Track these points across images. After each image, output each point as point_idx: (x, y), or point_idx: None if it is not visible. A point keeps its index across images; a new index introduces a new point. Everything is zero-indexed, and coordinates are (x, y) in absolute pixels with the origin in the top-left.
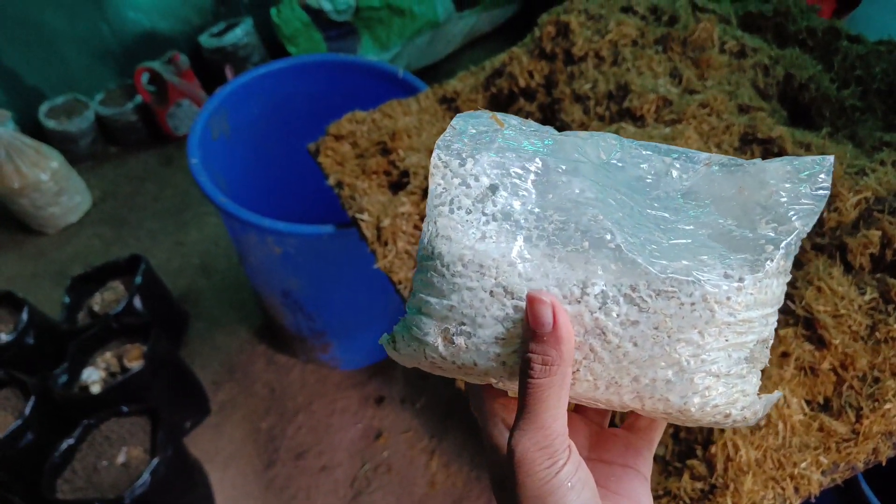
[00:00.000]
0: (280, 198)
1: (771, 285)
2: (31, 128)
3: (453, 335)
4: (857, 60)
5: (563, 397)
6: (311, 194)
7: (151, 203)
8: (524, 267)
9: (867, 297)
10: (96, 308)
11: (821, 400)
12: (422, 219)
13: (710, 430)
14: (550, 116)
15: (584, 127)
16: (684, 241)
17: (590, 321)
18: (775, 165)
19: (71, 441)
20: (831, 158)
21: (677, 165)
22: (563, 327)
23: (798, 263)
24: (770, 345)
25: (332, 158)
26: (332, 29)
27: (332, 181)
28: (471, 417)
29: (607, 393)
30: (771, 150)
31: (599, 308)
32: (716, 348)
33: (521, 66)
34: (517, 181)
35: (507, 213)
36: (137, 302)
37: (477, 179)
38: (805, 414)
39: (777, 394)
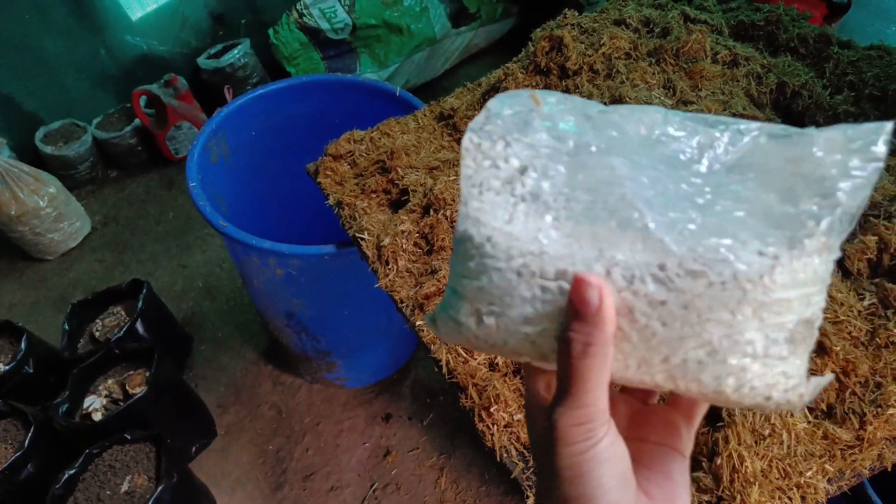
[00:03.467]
0: (281, 218)
1: (812, 263)
2: (29, 154)
3: (483, 315)
4: (848, 66)
5: (604, 376)
6: (312, 214)
7: (153, 226)
8: (551, 247)
9: (866, 303)
10: (97, 334)
11: (824, 407)
12: (422, 236)
13: (715, 442)
14: None
15: None
16: (719, 218)
17: (616, 300)
18: (827, 134)
19: (73, 471)
20: (890, 125)
21: (724, 138)
22: (608, 309)
23: None
24: (817, 325)
25: (331, 178)
26: (331, 48)
27: (331, 201)
28: (478, 433)
29: (639, 373)
30: None
31: (626, 287)
32: (750, 329)
33: (516, 81)
34: (547, 161)
35: (536, 195)
36: (139, 327)
37: (507, 161)
38: (809, 422)
39: (829, 376)
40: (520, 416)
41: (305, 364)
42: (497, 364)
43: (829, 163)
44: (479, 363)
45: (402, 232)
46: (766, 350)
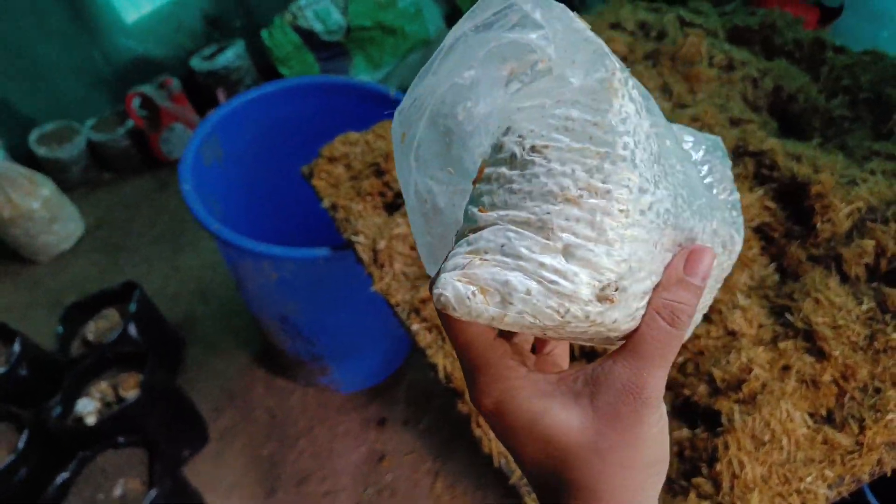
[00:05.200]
0: (276, 221)
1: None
2: (23, 156)
3: (613, 291)
4: (843, 71)
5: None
6: (307, 217)
7: (146, 229)
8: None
9: (864, 307)
10: (90, 337)
11: (823, 412)
12: None
13: (715, 448)
14: None
15: None
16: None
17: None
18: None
19: (66, 475)
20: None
21: None
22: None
23: (795, 275)
24: None
25: (325, 181)
26: (324, 50)
27: (326, 204)
28: (475, 438)
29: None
30: (763, 161)
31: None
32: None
33: None
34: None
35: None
36: (132, 329)
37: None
38: (808, 427)
39: None
40: None
41: (299, 368)
42: None
43: None
44: None
45: (398, 235)
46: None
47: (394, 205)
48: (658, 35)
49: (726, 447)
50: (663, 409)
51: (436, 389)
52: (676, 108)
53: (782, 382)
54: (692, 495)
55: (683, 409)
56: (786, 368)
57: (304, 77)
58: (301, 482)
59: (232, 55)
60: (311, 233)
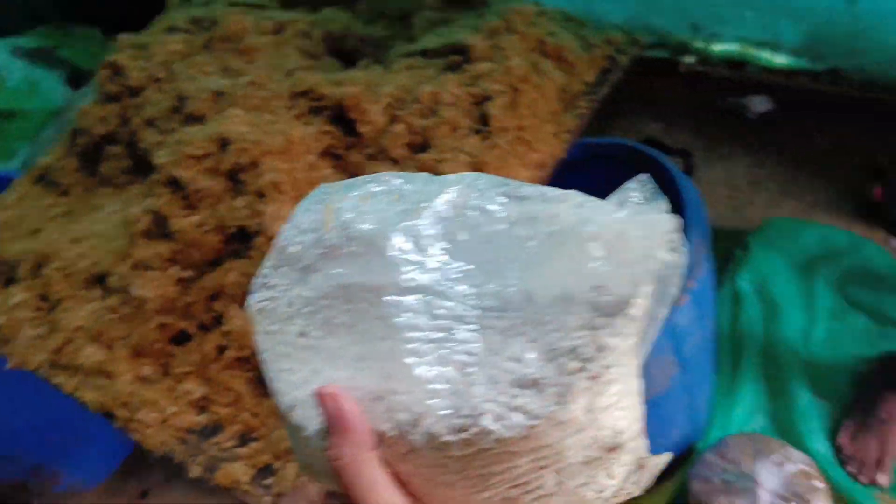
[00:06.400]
0: None
1: (582, 404)
2: None
3: (309, 468)
4: (374, 2)
5: (374, 479)
6: None
7: None
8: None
9: None
10: None
11: None
12: (40, 298)
13: None
14: (133, 150)
15: (160, 146)
16: (490, 362)
17: (404, 466)
18: (608, 227)
19: None
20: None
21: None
22: (346, 417)
23: (354, 174)
24: (629, 436)
25: None
26: None
27: None
28: (141, 448)
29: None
30: (312, 97)
31: (408, 452)
32: (533, 475)
33: (92, 117)
34: (328, 314)
35: (317, 367)
36: None
37: (290, 323)
38: None
39: (665, 456)
40: (175, 409)
41: (26, 490)
42: (148, 378)
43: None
44: (124, 381)
45: (18, 303)
46: (560, 486)
47: (10, 279)
48: (210, 25)
49: None
50: None
51: None
52: (239, 77)
53: None
54: None
55: None
56: None
57: None
58: None
59: None
60: None
